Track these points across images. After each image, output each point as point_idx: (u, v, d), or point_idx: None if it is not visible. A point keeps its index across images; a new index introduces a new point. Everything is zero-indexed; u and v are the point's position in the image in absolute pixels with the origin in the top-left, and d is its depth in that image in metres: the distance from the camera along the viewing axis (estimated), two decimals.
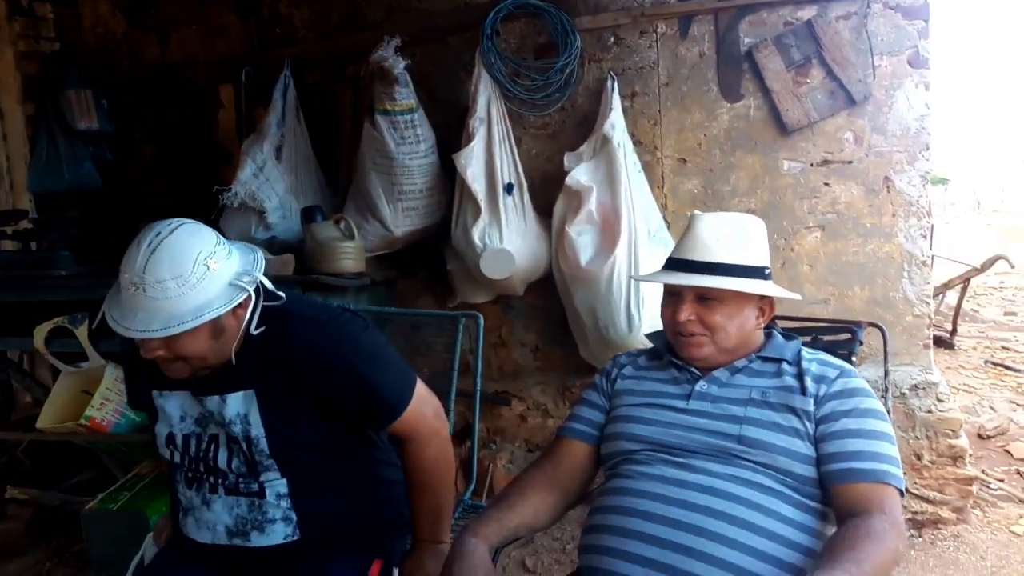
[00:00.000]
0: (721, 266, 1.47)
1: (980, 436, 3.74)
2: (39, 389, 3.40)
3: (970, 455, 3.02)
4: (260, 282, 1.43)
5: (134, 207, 3.64)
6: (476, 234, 2.87)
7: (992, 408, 4.17)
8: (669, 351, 1.57)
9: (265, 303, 1.45)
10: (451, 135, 3.09)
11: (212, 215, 3.06)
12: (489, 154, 2.91)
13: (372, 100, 2.95)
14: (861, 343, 1.74)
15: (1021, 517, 3.00)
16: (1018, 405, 4.24)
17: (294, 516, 1.49)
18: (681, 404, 1.47)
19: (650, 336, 1.68)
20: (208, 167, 3.63)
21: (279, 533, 1.49)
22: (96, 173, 3.46)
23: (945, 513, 2.94)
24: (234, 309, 1.37)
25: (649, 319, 2.71)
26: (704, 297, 1.46)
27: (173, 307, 1.30)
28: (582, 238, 2.82)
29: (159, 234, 1.34)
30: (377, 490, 1.62)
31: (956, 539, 2.87)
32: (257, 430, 1.44)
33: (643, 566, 1.30)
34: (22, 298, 2.96)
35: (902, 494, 1.32)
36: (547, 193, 3.07)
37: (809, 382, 1.41)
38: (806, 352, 1.49)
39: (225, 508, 1.50)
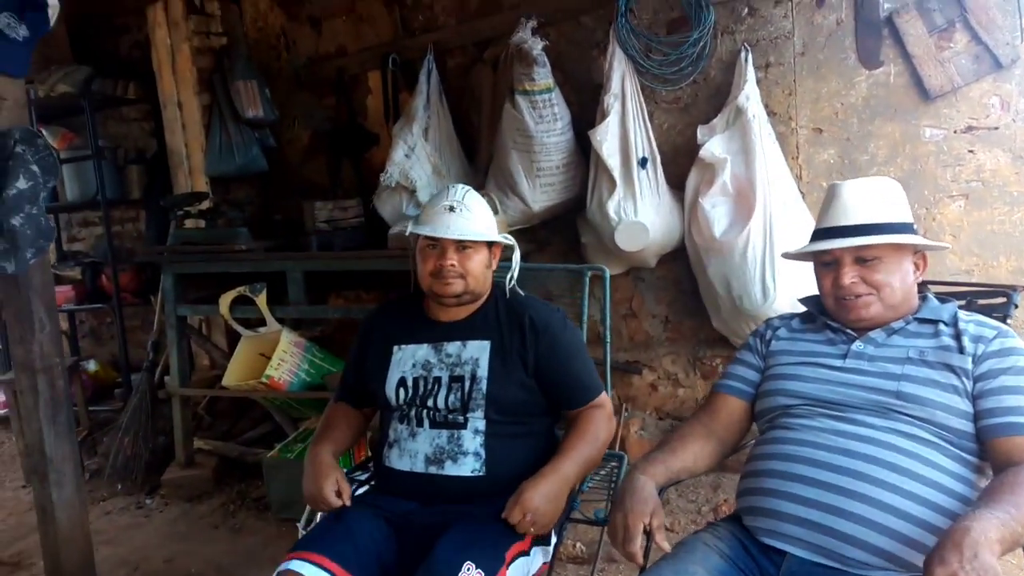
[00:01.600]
0: (873, 226, 1.53)
1: None
2: (217, 352, 3.82)
3: None
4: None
5: (294, 188, 3.98)
6: (611, 207, 3.00)
7: None
8: (823, 313, 1.66)
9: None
10: (584, 112, 3.22)
11: (368, 193, 3.34)
12: (623, 129, 3.02)
13: (512, 81, 3.11)
14: (1016, 306, 1.76)
15: None
16: None
17: (483, 453, 1.74)
18: (838, 363, 1.56)
19: (803, 300, 1.77)
20: (357, 149, 3.93)
21: (468, 466, 1.74)
22: (263, 157, 3.81)
23: None
24: (491, 259, 1.88)
25: (784, 289, 2.76)
26: (862, 259, 1.53)
27: (479, 226, 1.82)
28: (716, 210, 2.89)
29: (463, 186, 1.89)
30: (552, 454, 1.82)
31: None
32: (483, 372, 1.78)
33: (806, 506, 1.41)
34: (207, 270, 3.34)
35: None
36: (679, 166, 3.15)
37: (967, 341, 1.47)
38: (962, 314, 1.54)
39: (427, 439, 1.78)
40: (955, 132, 2.93)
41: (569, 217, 3.37)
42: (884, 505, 1.36)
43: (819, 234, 1.63)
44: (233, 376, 3.19)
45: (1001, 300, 1.79)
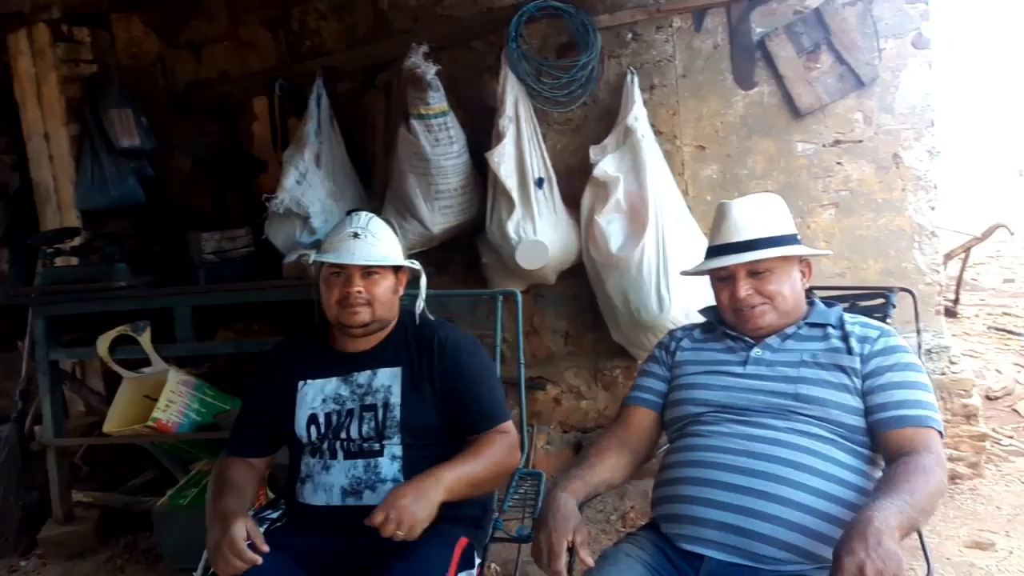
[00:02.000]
0: (761, 240, 1.64)
1: (988, 397, 3.90)
2: (95, 397, 3.56)
3: (982, 414, 3.19)
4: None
5: (176, 219, 3.79)
6: (511, 227, 3.03)
7: (998, 371, 4.34)
8: (721, 323, 1.73)
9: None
10: (478, 134, 3.25)
11: (257, 221, 3.22)
12: (519, 151, 3.07)
13: (406, 105, 3.09)
14: (894, 306, 1.90)
15: None
16: (1022, 367, 4.41)
17: (403, 479, 1.70)
18: (739, 370, 1.64)
19: (703, 311, 1.84)
20: (244, 177, 3.79)
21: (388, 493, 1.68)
22: (140, 188, 3.61)
23: (962, 469, 3.11)
24: (398, 284, 1.86)
25: (678, 299, 2.87)
26: (755, 272, 1.63)
27: (385, 251, 1.80)
28: (611, 226, 2.98)
29: (367, 213, 1.87)
30: None
31: (973, 492, 3.04)
32: (395, 399, 1.74)
33: (720, 509, 1.47)
34: (83, 311, 3.12)
35: (941, 435, 1.49)
36: (573, 185, 3.22)
37: (854, 342, 1.57)
38: (847, 316, 1.66)
39: (343, 471, 1.73)
40: (824, 146, 3.16)
41: (467, 238, 3.38)
42: (791, 502, 1.43)
43: (713, 251, 1.70)
44: (116, 422, 2.98)
45: (880, 301, 1.94)
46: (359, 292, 1.75)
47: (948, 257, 5.84)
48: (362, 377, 1.79)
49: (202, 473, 3.01)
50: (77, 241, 3.34)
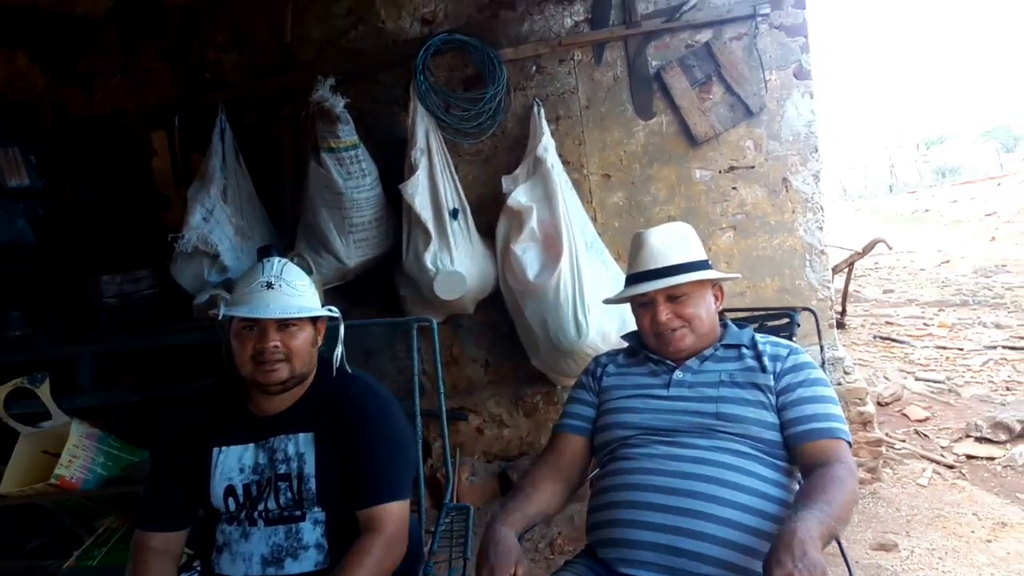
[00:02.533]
0: (677, 266, 1.73)
1: (879, 403, 4.19)
2: None
3: (876, 420, 3.42)
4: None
5: (70, 261, 3.59)
6: (428, 259, 3.05)
7: (886, 378, 4.67)
8: (644, 348, 1.81)
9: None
10: (390, 166, 3.26)
11: (162, 261, 3.10)
12: (433, 182, 3.10)
13: (316, 139, 3.07)
14: (799, 325, 2.04)
15: (924, 471, 3.41)
16: (908, 373, 4.77)
17: (326, 544, 1.64)
18: (663, 392, 1.71)
19: (625, 337, 1.91)
20: (144, 214, 3.64)
21: (311, 560, 1.62)
22: (29, 229, 3.39)
23: (862, 474, 3.31)
24: (317, 335, 1.75)
25: (595, 324, 2.96)
26: (673, 297, 1.71)
27: (302, 301, 1.68)
28: (527, 254, 3.04)
29: (279, 259, 1.74)
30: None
31: (874, 495, 3.24)
32: (309, 468, 1.64)
33: (653, 531, 1.52)
34: None
35: (850, 445, 1.61)
36: (487, 215, 3.28)
37: (767, 361, 1.68)
38: (759, 337, 1.77)
39: (263, 539, 1.63)
40: (720, 172, 3.34)
41: (383, 271, 3.36)
42: (720, 519, 1.51)
43: (633, 278, 1.78)
44: (13, 481, 2.77)
45: (786, 321, 2.07)
46: (275, 347, 1.62)
47: (834, 271, 6.24)
48: (277, 442, 1.67)
49: (111, 531, 2.83)
50: None
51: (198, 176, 3.24)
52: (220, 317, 1.66)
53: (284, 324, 1.65)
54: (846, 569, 1.75)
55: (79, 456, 2.77)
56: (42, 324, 3.02)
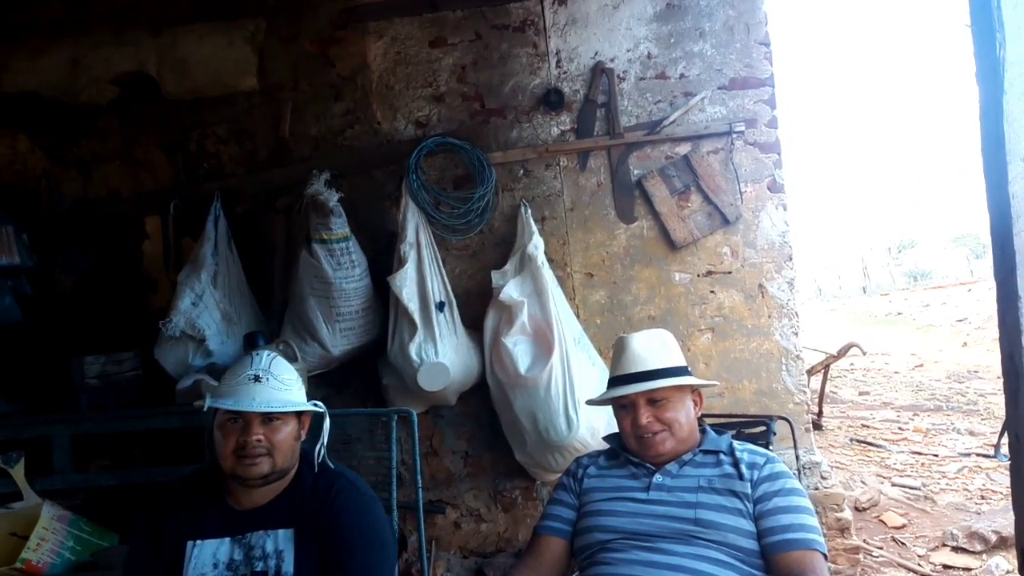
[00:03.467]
0: (659, 371, 1.79)
1: (856, 508, 4.19)
2: None
3: (853, 526, 3.42)
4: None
5: (55, 340, 3.60)
6: (413, 350, 3.09)
7: (863, 482, 4.68)
8: (624, 450, 1.85)
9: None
10: (378, 258, 3.35)
11: (150, 344, 3.12)
12: (420, 275, 3.18)
13: (308, 230, 3.16)
14: (775, 433, 2.10)
15: None
16: (884, 478, 4.78)
17: None
18: (642, 495, 1.74)
19: (607, 438, 1.96)
20: (131, 296, 3.68)
21: None
22: (16, 308, 3.41)
23: None
24: (300, 430, 1.76)
25: (585, 419, 2.98)
26: (654, 400, 1.77)
27: (288, 396, 1.70)
28: (518, 348, 3.10)
29: (268, 352, 1.76)
30: None
31: None
32: (288, 567, 1.63)
33: None
34: None
35: (825, 557, 1.64)
36: (471, 308, 3.36)
37: (744, 468, 1.72)
38: (736, 444, 1.82)
39: None
40: (699, 276, 3.46)
41: (366, 359, 3.40)
42: None
43: (615, 381, 1.84)
44: None
45: (762, 429, 2.12)
46: (259, 440, 1.62)
47: (809, 373, 6.34)
48: (255, 538, 1.66)
49: None
50: None
51: (190, 261, 3.30)
52: (205, 408, 1.66)
53: (268, 418, 1.66)
54: None
55: (48, 539, 2.71)
56: (21, 402, 2.99)
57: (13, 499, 2.81)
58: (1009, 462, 1.41)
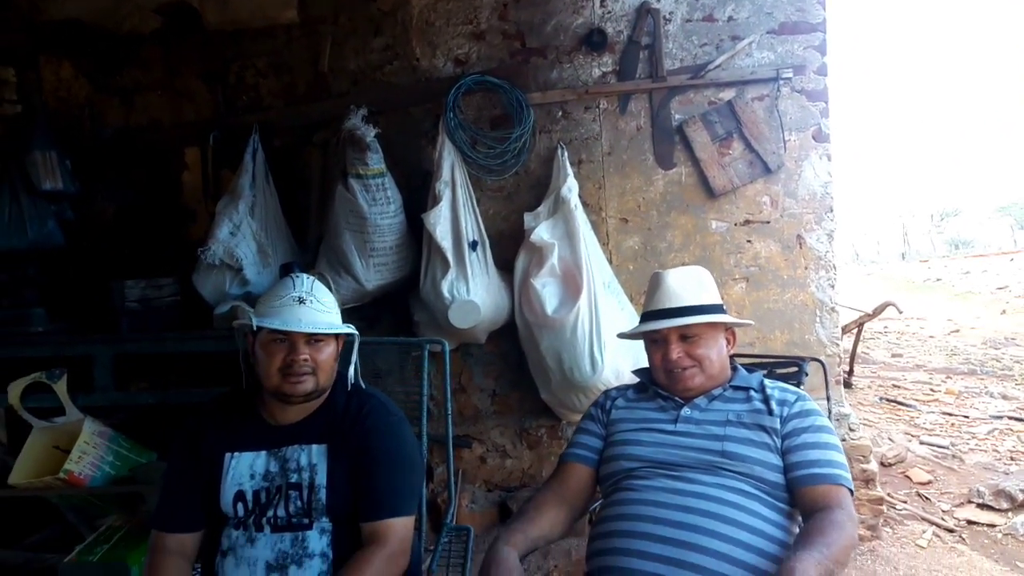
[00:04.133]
0: (693, 308, 1.79)
1: (882, 464, 4.18)
2: None
3: (878, 479, 3.42)
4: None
5: (96, 265, 3.68)
6: (445, 287, 3.11)
7: (890, 439, 4.66)
8: (654, 384, 1.86)
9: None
10: (412, 195, 3.35)
11: (189, 271, 3.18)
12: (455, 214, 3.18)
13: (345, 164, 3.17)
14: (807, 375, 2.09)
15: (924, 532, 3.40)
16: (912, 436, 4.76)
17: (331, 554, 1.67)
18: (670, 427, 1.76)
19: (636, 372, 1.97)
20: (171, 225, 3.74)
21: (315, 568, 1.65)
22: (59, 232, 3.48)
23: (862, 531, 3.31)
24: (336, 351, 1.80)
25: (610, 361, 3.00)
26: (686, 336, 1.77)
27: (331, 319, 1.77)
28: (546, 289, 3.11)
29: (308, 276, 1.82)
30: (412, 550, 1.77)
31: (872, 553, 3.23)
32: (321, 479, 1.68)
33: (651, 560, 1.55)
34: None
35: (852, 493, 1.64)
36: (504, 249, 3.36)
37: (774, 405, 1.72)
38: (767, 381, 1.82)
39: (268, 544, 1.67)
40: (736, 225, 3.42)
41: (398, 295, 3.43)
42: (719, 554, 1.54)
43: (648, 316, 1.84)
44: (22, 473, 2.81)
45: (794, 369, 2.11)
46: (305, 360, 1.68)
47: (843, 331, 6.27)
48: (290, 452, 1.72)
49: (113, 528, 2.86)
50: None
51: (228, 192, 3.34)
52: (255, 326, 1.70)
53: (314, 338, 1.71)
54: None
55: (89, 453, 2.82)
56: (64, 323, 3.09)
57: (56, 414, 2.92)
58: None
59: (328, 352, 1.75)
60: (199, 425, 1.80)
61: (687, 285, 1.82)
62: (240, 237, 3.17)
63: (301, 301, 1.71)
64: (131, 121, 3.82)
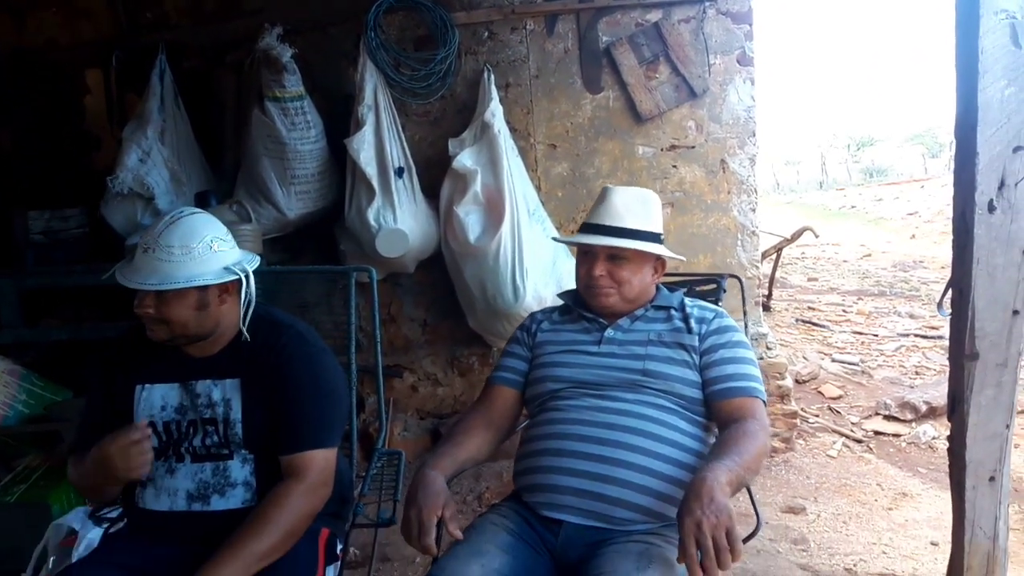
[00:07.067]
0: (629, 231, 1.78)
1: (797, 381, 4.40)
2: None
3: (793, 395, 3.60)
4: (250, 289, 1.64)
5: None
6: (371, 215, 3.05)
7: (805, 358, 4.90)
8: (579, 306, 1.87)
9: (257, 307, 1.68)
10: (334, 121, 3.23)
11: (97, 201, 3.02)
12: (379, 139, 3.09)
13: (260, 87, 3.02)
14: (725, 291, 2.14)
15: (835, 443, 3.62)
16: (825, 354, 5.01)
17: (254, 483, 1.63)
18: (594, 348, 1.78)
19: (561, 295, 1.97)
20: (75, 153, 3.52)
21: (238, 497, 1.62)
22: None
23: (777, 443, 3.50)
24: (220, 293, 1.61)
25: (531, 288, 3.02)
26: (615, 256, 1.77)
27: (171, 270, 1.52)
28: (469, 217, 3.08)
29: (182, 212, 1.59)
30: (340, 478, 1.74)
31: (786, 464, 3.43)
32: (236, 415, 1.62)
33: (577, 477, 1.59)
34: None
35: (765, 404, 1.71)
36: (431, 176, 3.29)
37: (693, 323, 1.76)
38: (687, 300, 1.85)
39: (189, 475, 1.63)
40: (662, 150, 3.43)
41: (323, 225, 3.34)
42: (641, 468, 1.59)
43: (586, 228, 1.83)
44: None
45: (713, 286, 2.17)
46: (149, 313, 1.55)
47: (763, 256, 6.47)
48: (201, 386, 1.65)
49: (31, 468, 2.77)
50: None
51: (135, 117, 3.15)
52: (117, 277, 1.55)
53: (159, 292, 1.54)
54: (756, 522, 1.86)
55: (0, 392, 2.71)
56: None
57: None
58: (949, 316, 1.47)
59: (183, 305, 1.56)
60: (112, 358, 1.72)
61: (632, 207, 1.81)
62: (151, 164, 3.01)
63: (145, 250, 1.54)
64: (24, 41, 3.52)
